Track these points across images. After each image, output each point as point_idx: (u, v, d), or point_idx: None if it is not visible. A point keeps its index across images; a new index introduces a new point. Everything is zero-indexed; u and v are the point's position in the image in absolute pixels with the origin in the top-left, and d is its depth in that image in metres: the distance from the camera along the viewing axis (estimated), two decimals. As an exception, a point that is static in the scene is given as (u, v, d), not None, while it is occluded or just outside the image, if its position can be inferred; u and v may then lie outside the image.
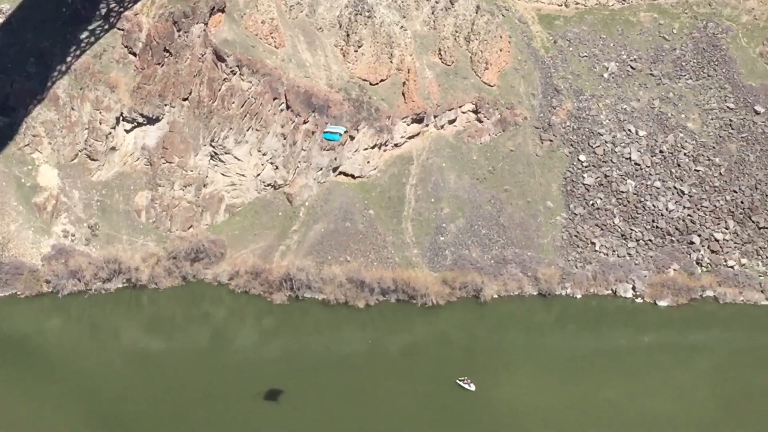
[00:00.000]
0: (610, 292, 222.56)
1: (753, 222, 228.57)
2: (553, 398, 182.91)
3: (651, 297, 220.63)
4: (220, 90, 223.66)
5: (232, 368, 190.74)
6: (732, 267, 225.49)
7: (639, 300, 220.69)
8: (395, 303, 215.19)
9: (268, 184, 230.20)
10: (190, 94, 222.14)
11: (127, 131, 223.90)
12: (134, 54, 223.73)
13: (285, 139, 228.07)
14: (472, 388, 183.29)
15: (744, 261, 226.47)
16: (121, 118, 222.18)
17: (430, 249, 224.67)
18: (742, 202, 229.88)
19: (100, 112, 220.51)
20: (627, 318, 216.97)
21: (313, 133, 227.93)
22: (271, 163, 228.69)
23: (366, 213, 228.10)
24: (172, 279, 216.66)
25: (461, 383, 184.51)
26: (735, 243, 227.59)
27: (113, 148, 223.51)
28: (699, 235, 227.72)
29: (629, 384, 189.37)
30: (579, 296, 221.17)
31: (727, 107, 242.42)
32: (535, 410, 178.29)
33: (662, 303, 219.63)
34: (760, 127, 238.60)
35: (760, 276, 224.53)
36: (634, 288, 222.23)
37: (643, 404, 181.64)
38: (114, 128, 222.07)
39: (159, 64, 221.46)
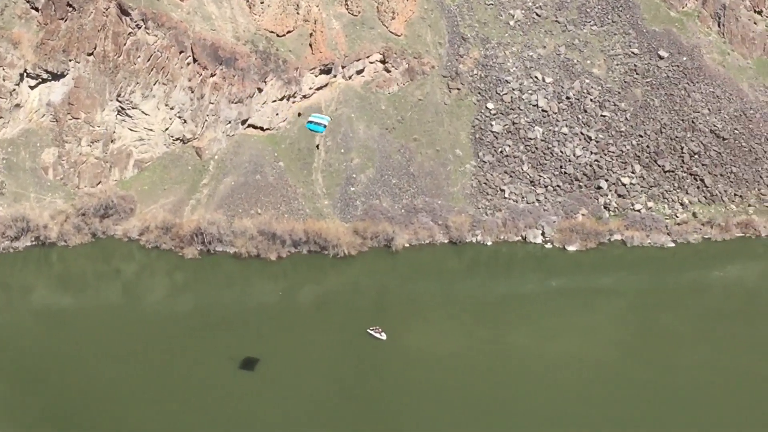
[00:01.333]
0: (519, 238, 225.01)
1: (659, 166, 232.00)
2: (463, 344, 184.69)
3: (560, 242, 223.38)
4: (125, 44, 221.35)
5: (143, 323, 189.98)
6: (639, 211, 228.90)
7: (548, 245, 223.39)
8: (307, 254, 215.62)
9: (177, 139, 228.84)
10: (95, 49, 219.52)
11: (32, 87, 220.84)
12: (36, 9, 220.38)
13: (192, 92, 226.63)
14: (383, 337, 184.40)
15: (650, 204, 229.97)
16: (24, 74, 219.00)
17: (341, 200, 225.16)
18: (647, 147, 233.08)
19: (3, 69, 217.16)
20: (537, 263, 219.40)
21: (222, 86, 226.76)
22: (179, 117, 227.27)
23: (276, 165, 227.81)
24: (82, 236, 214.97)
25: (372, 332, 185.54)
26: (641, 187, 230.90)
27: (18, 105, 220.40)
28: (606, 180, 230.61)
29: (538, 328, 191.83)
30: (489, 243, 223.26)
31: (632, 53, 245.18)
32: (446, 356, 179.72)
33: (571, 248, 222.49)
34: (664, 71, 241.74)
35: (666, 219, 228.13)
36: (543, 234, 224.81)
37: (550, 347, 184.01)
38: (18, 85, 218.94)
39: (62, 19, 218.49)
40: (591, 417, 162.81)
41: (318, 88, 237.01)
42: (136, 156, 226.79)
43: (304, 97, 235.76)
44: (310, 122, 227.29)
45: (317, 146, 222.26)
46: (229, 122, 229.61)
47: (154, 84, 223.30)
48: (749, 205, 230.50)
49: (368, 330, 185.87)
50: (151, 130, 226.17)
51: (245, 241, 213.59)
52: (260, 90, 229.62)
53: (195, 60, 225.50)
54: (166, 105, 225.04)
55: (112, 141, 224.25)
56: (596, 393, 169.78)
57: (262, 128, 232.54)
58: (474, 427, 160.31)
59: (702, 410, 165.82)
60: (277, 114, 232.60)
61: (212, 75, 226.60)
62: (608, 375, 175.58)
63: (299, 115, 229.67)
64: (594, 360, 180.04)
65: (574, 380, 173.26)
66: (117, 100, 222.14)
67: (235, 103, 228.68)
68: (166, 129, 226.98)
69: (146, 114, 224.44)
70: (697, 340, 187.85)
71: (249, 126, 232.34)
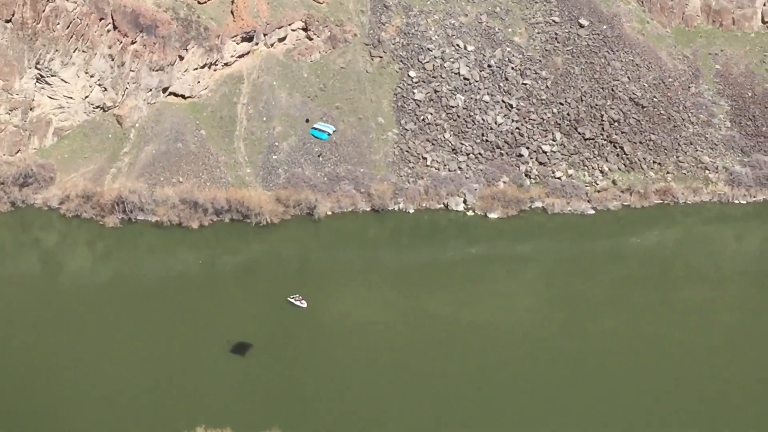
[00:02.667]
0: (442, 205, 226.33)
1: (579, 133, 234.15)
2: (384, 312, 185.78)
3: (482, 209, 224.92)
4: (44, 11, 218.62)
5: (63, 293, 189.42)
6: (559, 178, 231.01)
7: (470, 213, 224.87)
8: (229, 223, 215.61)
9: (97, 107, 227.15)
10: (13, 15, 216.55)
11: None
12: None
13: (113, 60, 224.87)
14: (304, 305, 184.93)
15: (571, 172, 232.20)
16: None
17: (263, 168, 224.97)
18: (568, 114, 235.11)
19: None
20: (458, 231, 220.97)
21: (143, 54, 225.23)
22: (100, 85, 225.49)
23: (198, 133, 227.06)
24: (1, 205, 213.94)
25: (293, 301, 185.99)
26: (562, 155, 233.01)
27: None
28: (527, 148, 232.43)
29: (457, 295, 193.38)
30: (411, 211, 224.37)
31: (553, 21, 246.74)
32: (366, 324, 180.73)
33: (493, 215, 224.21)
34: (584, 40, 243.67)
35: (587, 186, 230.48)
36: (465, 201, 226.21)
37: (469, 314, 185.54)
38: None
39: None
40: (509, 383, 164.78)
41: (240, 56, 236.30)
42: (56, 124, 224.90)
43: (226, 65, 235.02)
44: (314, 129, 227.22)
45: (319, 155, 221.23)
46: (150, 90, 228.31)
47: (74, 51, 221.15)
48: (668, 173, 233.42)
49: (288, 298, 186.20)
50: (70, 98, 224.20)
51: (167, 210, 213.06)
52: (181, 58, 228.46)
53: (115, 27, 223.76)
54: (86, 73, 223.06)
55: (31, 109, 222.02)
56: (514, 359, 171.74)
57: (183, 96, 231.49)
58: (394, 394, 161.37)
59: (617, 375, 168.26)
60: (198, 82, 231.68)
61: (133, 42, 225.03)
62: (526, 341, 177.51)
63: (306, 121, 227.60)
64: (512, 326, 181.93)
65: (492, 347, 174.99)
66: (36, 68, 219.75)
67: (156, 70, 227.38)
68: (86, 97, 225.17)
69: (66, 82, 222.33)
70: (613, 307, 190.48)
71: (170, 94, 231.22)
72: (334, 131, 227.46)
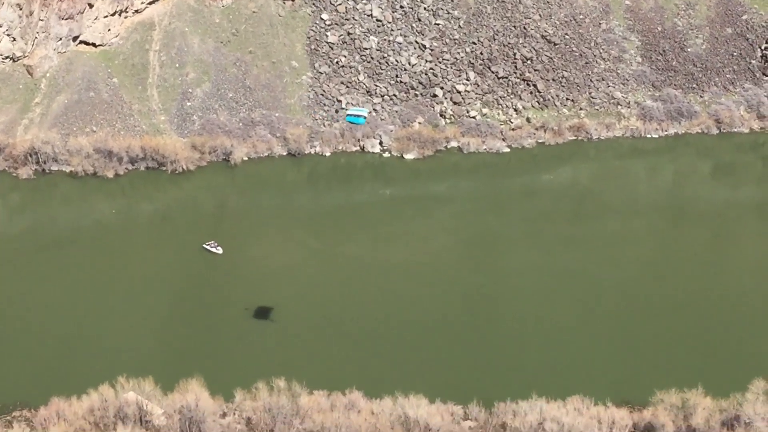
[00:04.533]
0: (358, 148, 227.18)
1: (492, 72, 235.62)
2: (300, 255, 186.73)
3: (398, 151, 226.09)
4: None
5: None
6: (474, 117, 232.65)
7: (386, 154, 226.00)
8: (145, 171, 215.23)
9: (6, 57, 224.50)
10: None
11: None
12: None
13: (21, 9, 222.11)
14: (220, 251, 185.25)
15: (485, 111, 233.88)
16: None
17: (178, 115, 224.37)
18: (481, 54, 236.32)
19: None
20: (375, 173, 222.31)
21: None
22: (8, 35, 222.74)
23: (110, 82, 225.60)
24: None
25: (208, 247, 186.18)
26: (476, 94, 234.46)
27: None
28: (442, 88, 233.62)
29: (374, 236, 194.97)
30: (328, 154, 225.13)
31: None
32: (282, 269, 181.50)
33: (409, 156, 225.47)
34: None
35: (501, 125, 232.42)
36: (381, 143, 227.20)
37: (386, 254, 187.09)
38: None
39: None
40: (425, 322, 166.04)
41: (150, 3, 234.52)
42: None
43: (137, 12, 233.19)
44: (349, 115, 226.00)
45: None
46: (60, 39, 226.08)
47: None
48: (581, 109, 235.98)
49: (204, 245, 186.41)
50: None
51: (81, 160, 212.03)
52: (91, 5, 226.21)
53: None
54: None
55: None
56: (430, 297, 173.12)
57: (94, 45, 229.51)
58: (311, 337, 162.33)
59: (531, 310, 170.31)
60: (109, 30, 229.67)
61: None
62: (442, 280, 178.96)
63: (337, 112, 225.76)
64: (428, 266, 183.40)
65: (408, 286, 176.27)
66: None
67: (66, 19, 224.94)
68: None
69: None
70: (527, 242, 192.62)
71: (81, 43, 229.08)
72: (368, 113, 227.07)
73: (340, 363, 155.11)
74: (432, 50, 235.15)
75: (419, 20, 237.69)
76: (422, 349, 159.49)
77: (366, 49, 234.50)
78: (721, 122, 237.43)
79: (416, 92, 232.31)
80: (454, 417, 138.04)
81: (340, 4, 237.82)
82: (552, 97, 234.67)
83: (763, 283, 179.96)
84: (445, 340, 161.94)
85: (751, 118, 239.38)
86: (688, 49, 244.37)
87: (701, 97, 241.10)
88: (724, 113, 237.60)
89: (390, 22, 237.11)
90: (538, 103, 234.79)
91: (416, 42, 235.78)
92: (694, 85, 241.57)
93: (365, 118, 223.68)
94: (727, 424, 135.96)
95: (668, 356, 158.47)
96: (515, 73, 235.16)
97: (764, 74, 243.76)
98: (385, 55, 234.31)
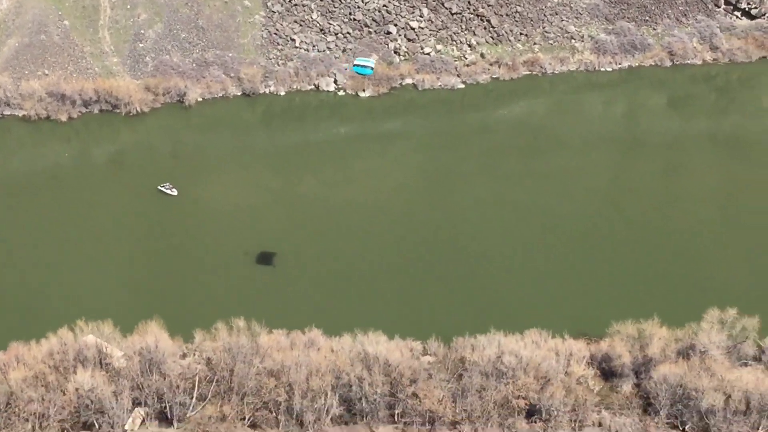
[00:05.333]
0: (312, 87, 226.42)
1: (446, 8, 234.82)
2: (256, 195, 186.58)
3: (353, 89, 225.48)
4: None
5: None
6: (428, 54, 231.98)
7: (341, 93, 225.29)
8: (99, 114, 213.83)
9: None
10: None
11: None
12: None
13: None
14: (175, 192, 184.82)
15: (439, 47, 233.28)
16: None
17: (130, 57, 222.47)
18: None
19: None
20: (330, 111, 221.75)
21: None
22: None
23: (61, 24, 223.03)
24: None
25: (163, 189, 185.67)
26: (430, 30, 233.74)
27: None
28: (395, 25, 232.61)
29: (330, 174, 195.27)
30: (283, 93, 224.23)
31: None
32: (238, 209, 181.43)
33: (364, 94, 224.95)
34: None
35: (456, 61, 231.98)
36: (335, 81, 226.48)
37: (341, 192, 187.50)
38: None
39: None
40: (381, 259, 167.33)
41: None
42: None
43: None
44: (356, 65, 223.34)
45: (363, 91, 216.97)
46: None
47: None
48: (535, 44, 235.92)
49: (159, 187, 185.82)
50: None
51: (34, 104, 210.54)
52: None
53: None
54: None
55: None
56: (386, 236, 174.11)
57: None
58: (268, 277, 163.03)
59: (487, 242, 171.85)
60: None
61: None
62: (397, 215, 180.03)
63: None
64: (383, 202, 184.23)
65: (364, 223, 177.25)
66: None
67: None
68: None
69: None
70: (482, 177, 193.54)
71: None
72: (374, 63, 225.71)
73: (300, 302, 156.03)
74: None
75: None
76: (381, 286, 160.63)
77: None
78: (674, 54, 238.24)
79: (370, 30, 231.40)
80: (413, 353, 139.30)
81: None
82: (506, 32, 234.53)
83: (717, 214, 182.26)
84: (403, 276, 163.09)
85: (704, 50, 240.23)
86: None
87: (654, 29, 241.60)
88: (677, 45, 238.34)
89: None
90: (492, 39, 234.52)
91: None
92: (647, 18, 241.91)
93: (372, 69, 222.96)
94: (682, 353, 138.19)
95: (624, 288, 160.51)
96: (469, 8, 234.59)
97: (717, 5, 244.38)
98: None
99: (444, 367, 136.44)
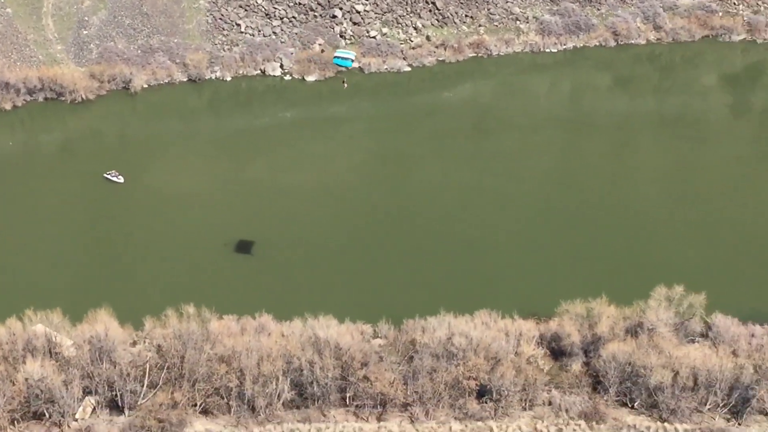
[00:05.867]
0: (259, 72, 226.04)
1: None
2: (203, 181, 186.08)
3: (299, 73, 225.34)
4: None
5: None
6: (374, 37, 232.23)
7: (288, 77, 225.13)
8: (44, 102, 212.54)
9: None
10: None
11: None
12: None
13: None
14: (121, 180, 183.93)
15: (385, 30, 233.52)
16: None
17: (75, 44, 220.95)
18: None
19: None
20: (277, 96, 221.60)
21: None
22: None
23: (3, 12, 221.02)
24: None
25: (109, 177, 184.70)
26: (375, 13, 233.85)
27: None
28: (341, 9, 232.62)
29: (276, 159, 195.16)
30: (229, 79, 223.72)
31: None
32: (186, 195, 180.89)
33: (310, 78, 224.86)
34: None
35: (401, 44, 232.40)
36: (282, 66, 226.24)
37: (288, 176, 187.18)
38: None
39: None
40: (330, 243, 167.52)
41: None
42: None
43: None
44: (336, 57, 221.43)
45: (343, 82, 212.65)
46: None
47: None
48: (480, 26, 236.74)
49: (105, 174, 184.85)
50: None
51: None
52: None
53: None
54: None
55: None
56: (334, 219, 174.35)
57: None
58: (217, 263, 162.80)
59: (432, 225, 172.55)
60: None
61: None
62: (346, 200, 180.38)
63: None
64: (331, 186, 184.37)
65: (312, 208, 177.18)
66: None
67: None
68: None
69: None
70: (429, 159, 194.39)
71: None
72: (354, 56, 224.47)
73: (250, 287, 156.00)
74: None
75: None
76: (331, 269, 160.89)
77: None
78: (618, 34, 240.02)
79: (315, 14, 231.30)
80: (364, 336, 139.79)
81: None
82: (451, 14, 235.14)
83: (663, 192, 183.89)
84: (353, 260, 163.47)
85: (648, 30, 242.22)
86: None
87: (598, 9, 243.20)
88: (621, 25, 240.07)
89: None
90: (438, 21, 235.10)
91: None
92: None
93: (352, 60, 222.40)
94: (631, 331, 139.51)
95: (572, 267, 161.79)
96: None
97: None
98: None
99: (395, 350, 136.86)
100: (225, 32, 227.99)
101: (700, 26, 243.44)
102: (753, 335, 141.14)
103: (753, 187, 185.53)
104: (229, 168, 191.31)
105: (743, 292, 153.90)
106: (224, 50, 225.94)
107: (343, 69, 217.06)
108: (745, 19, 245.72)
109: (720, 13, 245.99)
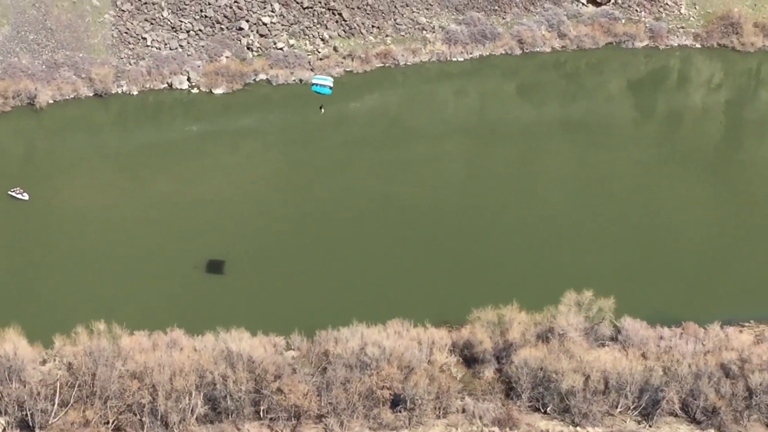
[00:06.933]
0: (166, 85, 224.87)
1: (297, 3, 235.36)
2: (110, 197, 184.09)
3: (206, 86, 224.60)
4: None
5: None
6: (281, 49, 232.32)
7: (195, 90, 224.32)
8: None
9: None
10: None
11: None
12: None
13: None
14: (26, 197, 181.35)
15: (292, 42, 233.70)
16: None
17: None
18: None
19: None
20: (184, 109, 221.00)
21: None
22: None
23: None
24: None
25: (13, 194, 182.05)
26: (282, 25, 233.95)
27: None
28: (247, 21, 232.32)
29: (182, 173, 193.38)
30: (135, 93, 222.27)
31: None
32: (92, 211, 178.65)
33: (218, 91, 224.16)
34: None
35: (309, 55, 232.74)
36: (189, 79, 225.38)
37: (194, 190, 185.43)
38: None
39: None
40: (240, 256, 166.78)
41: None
42: None
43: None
44: (315, 84, 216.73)
45: (321, 108, 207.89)
46: None
47: None
48: (387, 36, 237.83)
49: (9, 192, 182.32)
50: None
51: None
52: None
53: None
54: None
55: None
56: (243, 232, 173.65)
57: None
58: (127, 278, 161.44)
59: (344, 236, 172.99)
60: None
61: None
62: (254, 213, 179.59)
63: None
64: (239, 199, 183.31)
65: (220, 221, 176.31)
66: None
67: None
68: None
69: None
70: (337, 170, 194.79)
71: None
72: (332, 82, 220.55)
73: (160, 302, 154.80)
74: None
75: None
76: (241, 282, 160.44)
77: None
78: (523, 43, 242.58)
79: (222, 26, 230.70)
80: (277, 348, 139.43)
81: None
82: (358, 25, 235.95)
83: (569, 198, 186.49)
84: (262, 272, 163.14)
85: (552, 38, 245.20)
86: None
87: (503, 18, 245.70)
88: (526, 34, 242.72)
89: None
90: (345, 32, 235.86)
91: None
92: (496, 7, 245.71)
93: (331, 88, 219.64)
94: (542, 337, 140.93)
95: (483, 274, 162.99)
96: (320, 2, 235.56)
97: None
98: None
99: (308, 361, 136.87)
100: (131, 46, 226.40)
101: (604, 33, 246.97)
102: (661, 337, 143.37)
103: (657, 191, 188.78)
104: (135, 182, 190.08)
105: (650, 296, 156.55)
106: (130, 64, 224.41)
107: (323, 96, 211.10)
108: (647, 26, 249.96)
109: (623, 21, 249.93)
